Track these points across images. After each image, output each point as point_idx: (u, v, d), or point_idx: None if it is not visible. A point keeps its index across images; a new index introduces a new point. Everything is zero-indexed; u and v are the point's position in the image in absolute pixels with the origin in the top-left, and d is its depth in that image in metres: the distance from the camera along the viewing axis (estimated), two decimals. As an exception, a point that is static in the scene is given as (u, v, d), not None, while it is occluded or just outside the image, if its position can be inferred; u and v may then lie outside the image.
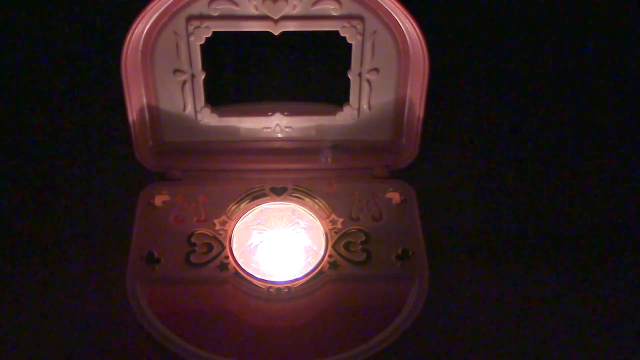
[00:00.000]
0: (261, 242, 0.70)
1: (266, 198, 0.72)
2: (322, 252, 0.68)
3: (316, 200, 0.72)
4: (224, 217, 0.70)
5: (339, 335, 0.65)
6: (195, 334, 0.63)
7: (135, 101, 0.70)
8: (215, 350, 0.62)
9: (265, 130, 0.74)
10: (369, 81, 0.70)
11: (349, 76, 0.70)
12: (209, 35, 0.67)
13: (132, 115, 0.70)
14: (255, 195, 0.72)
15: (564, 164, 0.79)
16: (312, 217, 0.71)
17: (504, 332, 0.68)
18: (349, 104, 0.72)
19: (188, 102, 0.72)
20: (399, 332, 0.63)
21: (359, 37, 0.68)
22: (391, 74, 0.70)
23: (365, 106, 0.72)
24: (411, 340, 0.64)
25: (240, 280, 0.66)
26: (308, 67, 0.73)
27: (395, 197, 0.72)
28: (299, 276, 0.66)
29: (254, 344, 0.65)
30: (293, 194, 0.72)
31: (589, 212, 0.77)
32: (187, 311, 0.66)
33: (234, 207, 0.71)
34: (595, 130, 0.80)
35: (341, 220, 0.70)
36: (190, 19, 0.66)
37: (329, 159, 0.74)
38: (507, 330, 0.68)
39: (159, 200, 0.72)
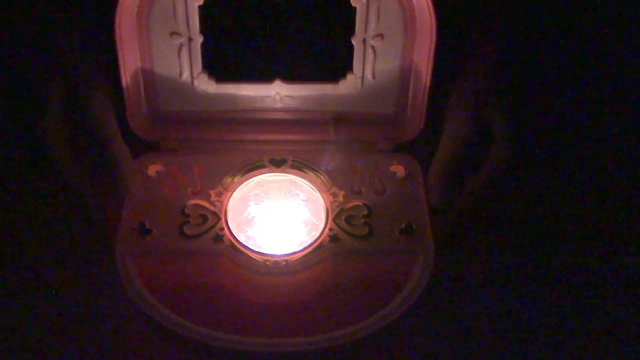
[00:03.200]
0: (258, 213, 0.67)
1: (264, 170, 0.70)
2: (322, 226, 0.65)
3: (317, 173, 0.69)
4: (220, 188, 0.68)
5: (339, 311, 0.62)
6: (187, 308, 0.60)
7: (130, 65, 0.67)
8: (208, 324, 0.59)
9: (264, 99, 0.71)
10: (373, 48, 0.68)
11: (353, 42, 0.68)
12: (208, -5, 0.64)
13: (126, 80, 0.67)
14: (253, 167, 0.70)
15: (571, 136, 0.77)
16: (312, 190, 0.68)
17: (510, 309, 0.65)
18: (352, 72, 0.69)
19: (185, 68, 0.69)
20: (401, 309, 0.60)
21: (364, 1, 0.65)
22: (397, 40, 0.67)
23: (369, 75, 0.69)
24: (414, 317, 0.61)
25: (236, 252, 0.63)
26: (310, 33, 0.70)
27: (399, 170, 0.70)
28: (296, 250, 0.63)
29: (249, 319, 0.62)
30: (293, 166, 0.70)
31: (593, 188, 0.75)
32: (180, 284, 0.63)
33: (230, 179, 0.69)
34: (600, 117, 0.77)
35: (342, 193, 0.68)
36: (188, -23, 0.64)
37: (332, 132, 0.72)
38: (513, 307, 0.65)
39: (152, 170, 0.69)
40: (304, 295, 0.63)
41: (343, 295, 0.63)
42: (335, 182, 0.68)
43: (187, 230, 0.64)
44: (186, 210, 0.66)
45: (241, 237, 0.64)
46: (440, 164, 0.69)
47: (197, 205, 0.66)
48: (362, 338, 0.59)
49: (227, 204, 0.66)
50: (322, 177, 0.69)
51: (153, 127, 0.71)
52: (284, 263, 0.63)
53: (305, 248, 0.64)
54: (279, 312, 0.62)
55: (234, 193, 0.68)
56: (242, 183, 0.68)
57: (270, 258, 0.63)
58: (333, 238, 0.64)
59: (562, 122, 0.76)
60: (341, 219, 0.66)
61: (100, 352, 0.62)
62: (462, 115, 0.67)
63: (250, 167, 0.70)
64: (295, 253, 0.63)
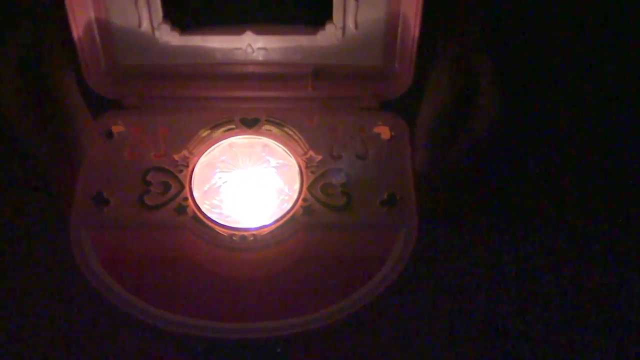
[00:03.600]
0: (225, 182, 0.62)
1: (235, 131, 0.64)
2: (295, 195, 0.60)
3: (292, 135, 0.63)
4: (185, 152, 0.62)
5: (313, 290, 0.58)
6: (145, 288, 0.56)
7: (81, 16, 0.61)
8: (169, 306, 0.55)
9: (235, 51, 0.65)
10: (355, -7, 0.61)
11: (331, -12, 0.61)
12: None
13: (78, 32, 0.61)
14: (223, 128, 0.64)
15: (563, 92, 0.71)
16: (286, 154, 0.62)
17: (496, 285, 0.61)
18: (332, 21, 0.63)
19: (144, 17, 0.62)
20: (381, 287, 0.56)
21: (344, -61, 0.58)
22: (381, -16, 0.60)
23: (351, 24, 0.63)
24: (395, 296, 0.57)
25: (200, 225, 0.58)
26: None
27: (384, 132, 0.64)
28: (266, 223, 0.58)
29: (214, 299, 0.57)
30: (266, 127, 0.64)
31: (586, 147, 0.69)
32: (138, 261, 0.58)
33: (197, 141, 0.63)
34: (593, 74, 0.72)
35: (320, 157, 0.62)
36: None
37: (311, 87, 0.65)
38: (500, 283, 0.61)
39: (113, 131, 0.63)
40: (273, 274, 0.58)
41: (317, 274, 0.58)
42: (313, 144, 0.62)
43: (147, 200, 0.59)
44: (147, 178, 0.61)
45: (206, 209, 0.59)
46: (425, 122, 0.63)
47: (160, 171, 0.61)
48: (336, 321, 0.55)
49: (192, 171, 0.61)
50: (298, 139, 0.63)
51: (112, 83, 0.65)
52: (251, 238, 0.58)
53: (275, 221, 0.58)
54: (246, 291, 0.57)
55: (201, 158, 0.62)
56: (210, 147, 0.63)
57: (237, 232, 0.58)
58: (307, 210, 0.59)
59: (553, 77, 0.70)
60: (317, 188, 0.60)
61: (52, 336, 0.58)
62: (448, 69, 0.61)
63: (220, 129, 0.64)
64: (264, 227, 0.58)
